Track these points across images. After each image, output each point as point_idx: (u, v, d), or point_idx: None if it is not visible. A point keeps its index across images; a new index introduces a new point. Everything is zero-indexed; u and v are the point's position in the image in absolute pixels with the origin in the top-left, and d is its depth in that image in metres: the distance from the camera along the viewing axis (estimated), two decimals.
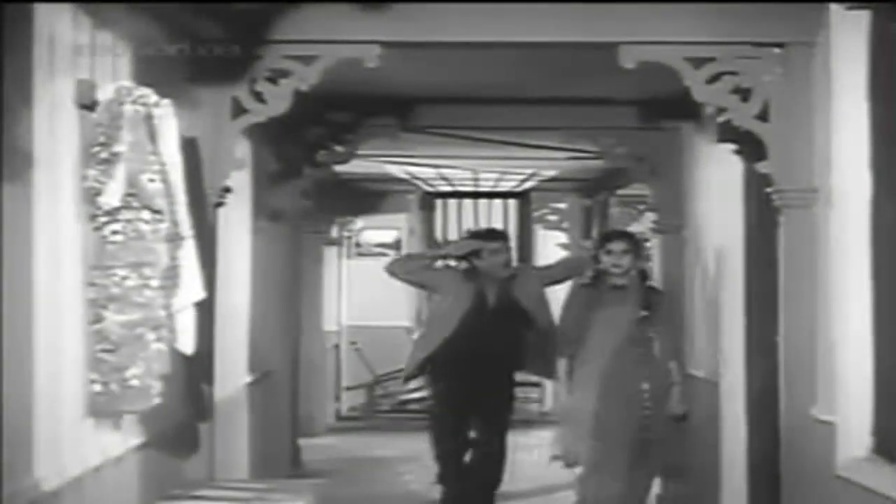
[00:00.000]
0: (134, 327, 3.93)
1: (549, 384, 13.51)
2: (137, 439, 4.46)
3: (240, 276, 7.18)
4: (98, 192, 3.90)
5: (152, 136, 4.06)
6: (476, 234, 7.41)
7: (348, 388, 13.58)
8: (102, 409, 3.96)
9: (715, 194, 7.22)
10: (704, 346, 7.39)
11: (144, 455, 4.57)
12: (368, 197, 13.46)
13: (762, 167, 5.35)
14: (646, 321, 6.29)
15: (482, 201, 13.91)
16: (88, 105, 3.95)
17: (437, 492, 7.35)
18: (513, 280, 7.00)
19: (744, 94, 5.29)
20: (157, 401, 4.02)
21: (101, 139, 3.93)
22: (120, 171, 3.91)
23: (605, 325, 6.25)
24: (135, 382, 3.92)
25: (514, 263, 7.49)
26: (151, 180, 4.00)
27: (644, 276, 6.53)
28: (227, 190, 5.49)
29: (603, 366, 6.16)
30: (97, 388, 3.91)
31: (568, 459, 6.32)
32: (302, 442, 9.54)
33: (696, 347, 7.60)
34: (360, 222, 14.00)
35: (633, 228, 14.47)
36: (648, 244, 12.33)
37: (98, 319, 3.91)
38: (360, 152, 8.35)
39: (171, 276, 4.12)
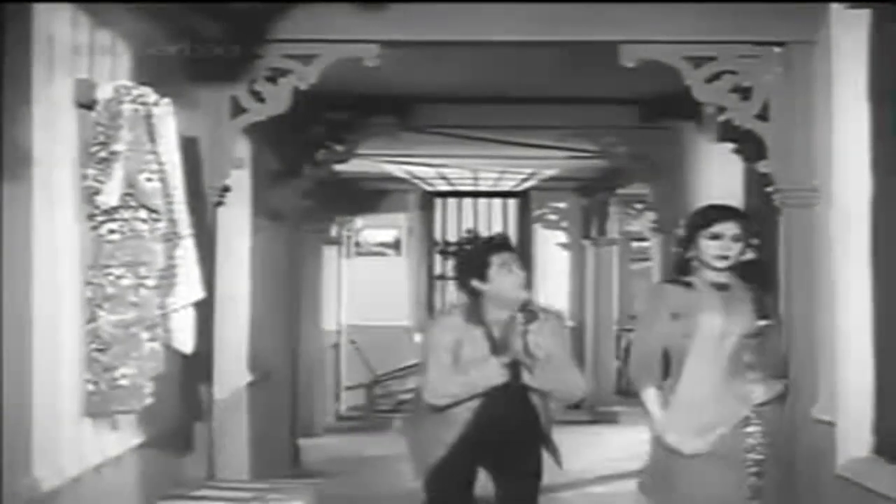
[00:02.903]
0: (127, 326, 3.91)
1: None
2: (136, 439, 4.45)
3: (239, 275, 7.17)
4: (96, 192, 3.89)
5: (151, 135, 4.05)
6: (483, 245, 5.05)
7: (348, 388, 13.58)
8: (95, 409, 3.95)
9: (715, 194, 7.21)
10: None
11: (143, 455, 4.57)
12: (368, 196, 13.47)
13: (762, 166, 5.34)
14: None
15: (482, 201, 13.93)
16: (87, 104, 3.94)
17: None
18: (533, 321, 4.81)
19: (744, 93, 5.29)
20: (149, 401, 4.00)
21: (100, 138, 3.93)
22: (118, 171, 3.91)
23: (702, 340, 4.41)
24: (124, 382, 3.90)
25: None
26: (149, 179, 3.98)
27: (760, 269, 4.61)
28: (227, 189, 5.49)
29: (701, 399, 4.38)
30: (90, 387, 3.91)
31: None
32: (301, 442, 9.54)
33: None
34: (359, 221, 14.01)
35: (633, 228, 14.59)
36: (647, 244, 12.40)
37: (93, 318, 3.90)
38: (359, 151, 8.36)
39: (168, 276, 4.11)
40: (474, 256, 4.94)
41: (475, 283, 4.87)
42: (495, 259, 4.86)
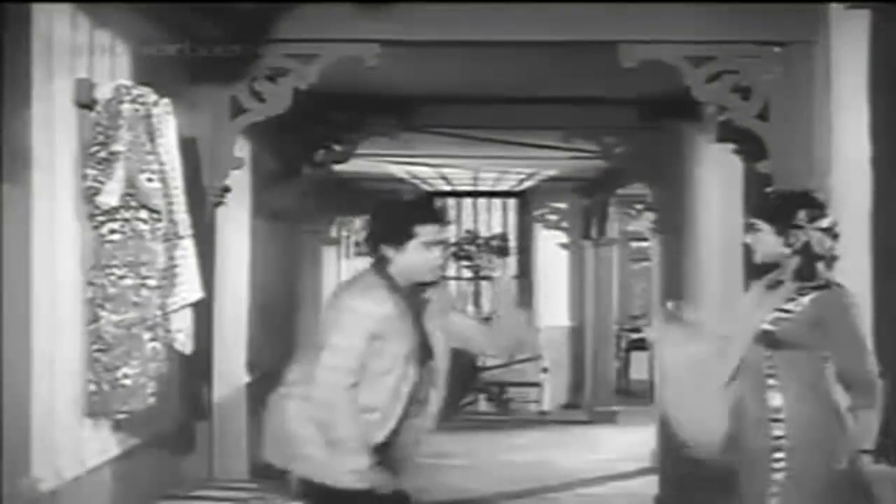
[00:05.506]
0: (129, 327, 3.92)
1: (547, 383, 13.52)
2: (136, 439, 4.45)
3: (239, 276, 7.17)
4: (96, 192, 3.90)
5: (151, 135, 4.05)
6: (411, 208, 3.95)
7: None
8: (97, 409, 3.95)
9: (715, 194, 7.21)
10: None
11: (143, 455, 4.57)
12: (368, 196, 13.46)
13: (762, 167, 5.34)
14: None
15: (481, 201, 13.93)
16: (87, 104, 3.94)
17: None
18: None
19: (744, 93, 5.29)
20: (151, 400, 4.00)
21: (100, 138, 3.93)
22: (118, 171, 3.91)
23: None
24: (126, 382, 3.91)
25: None
26: (150, 180, 3.99)
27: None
28: (227, 189, 5.49)
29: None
30: (92, 387, 3.91)
31: None
32: None
33: None
34: (359, 222, 13.99)
35: (633, 228, 14.60)
36: (647, 244, 12.40)
37: (95, 319, 3.90)
38: (359, 151, 8.35)
39: (168, 276, 4.11)
40: (397, 218, 3.89)
41: (387, 250, 3.84)
42: (421, 230, 3.83)
